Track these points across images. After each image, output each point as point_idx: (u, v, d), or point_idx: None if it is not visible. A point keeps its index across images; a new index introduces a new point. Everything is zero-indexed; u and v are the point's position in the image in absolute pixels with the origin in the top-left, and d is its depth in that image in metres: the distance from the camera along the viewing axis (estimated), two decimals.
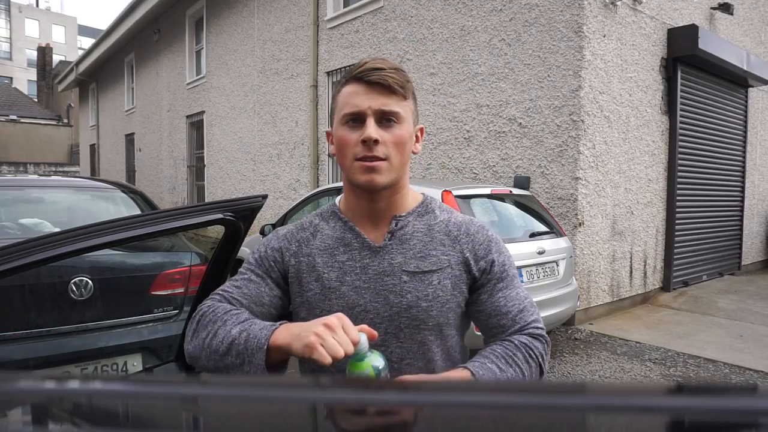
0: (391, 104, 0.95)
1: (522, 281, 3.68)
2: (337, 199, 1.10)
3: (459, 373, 0.92)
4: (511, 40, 5.59)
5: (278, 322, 0.91)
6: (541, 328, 1.02)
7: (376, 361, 0.86)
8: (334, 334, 0.81)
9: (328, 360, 0.79)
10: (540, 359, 0.98)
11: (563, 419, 0.41)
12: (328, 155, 8.08)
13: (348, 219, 1.04)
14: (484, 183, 5.40)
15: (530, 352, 0.97)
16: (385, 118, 0.96)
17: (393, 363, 0.97)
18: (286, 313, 1.08)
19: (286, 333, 0.87)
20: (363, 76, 0.95)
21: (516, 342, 0.98)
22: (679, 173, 6.41)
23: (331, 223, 1.06)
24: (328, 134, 1.04)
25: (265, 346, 0.86)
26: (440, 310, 0.99)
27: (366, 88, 0.95)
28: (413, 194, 1.07)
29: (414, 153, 1.03)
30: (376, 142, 0.93)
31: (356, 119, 0.95)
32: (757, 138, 8.29)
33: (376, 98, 0.95)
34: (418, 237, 1.01)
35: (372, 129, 0.94)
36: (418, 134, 1.05)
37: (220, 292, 1.03)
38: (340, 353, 0.80)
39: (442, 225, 1.04)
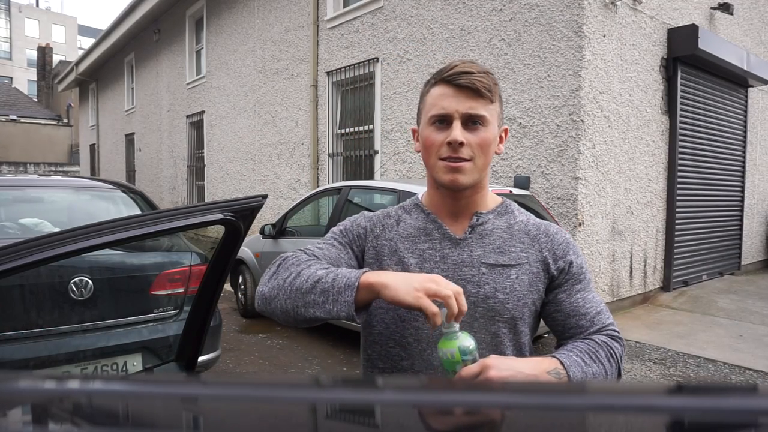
0: (478, 108, 0.98)
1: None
2: (420, 194, 1.15)
3: (549, 361, 0.93)
4: (511, 40, 5.59)
5: (364, 269, 0.95)
6: (618, 332, 1.05)
7: (465, 341, 0.87)
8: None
9: (436, 311, 0.81)
10: (619, 360, 1.01)
11: (563, 419, 0.41)
12: (328, 155, 8.07)
13: (431, 212, 1.08)
14: None
15: (611, 351, 0.99)
16: (471, 121, 0.99)
17: None
18: None
19: (381, 275, 0.88)
20: (452, 79, 0.98)
21: (597, 340, 1.00)
22: (679, 173, 6.41)
23: (413, 214, 1.10)
24: (414, 131, 1.10)
25: (356, 284, 0.87)
26: (516, 303, 1.01)
27: (454, 91, 0.98)
28: (492, 195, 1.11)
29: (497, 153, 1.07)
30: (461, 144, 0.97)
31: (443, 121, 0.99)
32: (757, 138, 8.29)
33: (463, 101, 0.98)
34: (497, 233, 1.05)
35: (458, 132, 0.97)
36: (502, 135, 1.08)
37: (303, 249, 1.06)
38: (449, 312, 0.83)
39: (521, 225, 1.07)
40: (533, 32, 5.38)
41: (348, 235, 1.11)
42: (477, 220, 1.05)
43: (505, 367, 0.85)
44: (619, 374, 1.02)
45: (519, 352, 1.04)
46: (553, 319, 1.06)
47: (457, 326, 0.86)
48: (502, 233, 1.05)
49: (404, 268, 1.03)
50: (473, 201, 1.06)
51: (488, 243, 1.04)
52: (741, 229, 8.01)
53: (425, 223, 1.07)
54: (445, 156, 0.99)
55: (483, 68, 1.01)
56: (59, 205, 3.27)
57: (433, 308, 0.81)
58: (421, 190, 1.16)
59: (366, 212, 1.15)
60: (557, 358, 0.93)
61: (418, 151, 1.07)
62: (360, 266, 1.09)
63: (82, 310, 2.53)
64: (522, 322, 1.03)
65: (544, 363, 0.92)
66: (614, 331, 1.04)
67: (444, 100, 0.99)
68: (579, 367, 0.94)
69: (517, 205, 1.14)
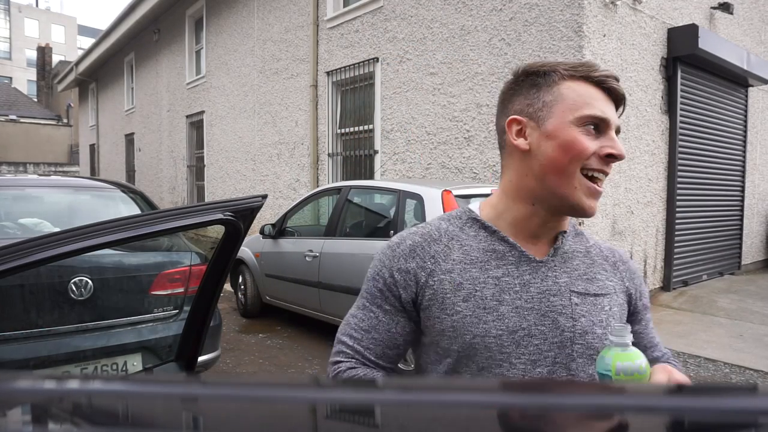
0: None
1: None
2: (474, 205, 0.94)
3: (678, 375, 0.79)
4: (511, 39, 5.59)
5: None
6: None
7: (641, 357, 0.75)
8: None
9: None
10: None
11: (563, 419, 0.41)
12: (328, 155, 8.06)
13: (496, 228, 0.87)
14: (484, 183, 5.39)
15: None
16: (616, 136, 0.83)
17: None
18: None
19: None
20: (602, 81, 0.82)
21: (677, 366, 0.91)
22: (679, 173, 6.41)
23: (470, 231, 0.88)
24: (518, 121, 0.85)
25: None
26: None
27: (604, 96, 0.83)
28: None
29: None
30: (616, 159, 0.82)
31: (596, 127, 0.81)
32: (757, 137, 8.29)
33: (613, 111, 0.83)
34: (579, 258, 0.90)
35: (621, 146, 0.81)
36: None
37: (351, 345, 0.89)
38: None
39: (596, 249, 0.94)
40: (533, 32, 5.38)
41: (392, 293, 0.87)
42: (561, 242, 0.89)
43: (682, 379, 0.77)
44: None
45: None
46: None
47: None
48: (583, 257, 0.91)
49: (478, 303, 0.83)
50: (560, 220, 0.88)
51: (573, 268, 0.88)
52: (741, 229, 8.01)
53: (491, 242, 0.87)
54: (595, 167, 0.81)
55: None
56: (59, 205, 3.27)
57: None
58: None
59: (401, 243, 0.88)
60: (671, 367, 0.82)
61: (526, 150, 0.84)
62: (416, 323, 0.88)
63: (82, 310, 2.53)
64: None
65: (678, 375, 0.80)
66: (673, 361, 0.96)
67: (598, 102, 0.81)
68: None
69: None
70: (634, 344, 0.78)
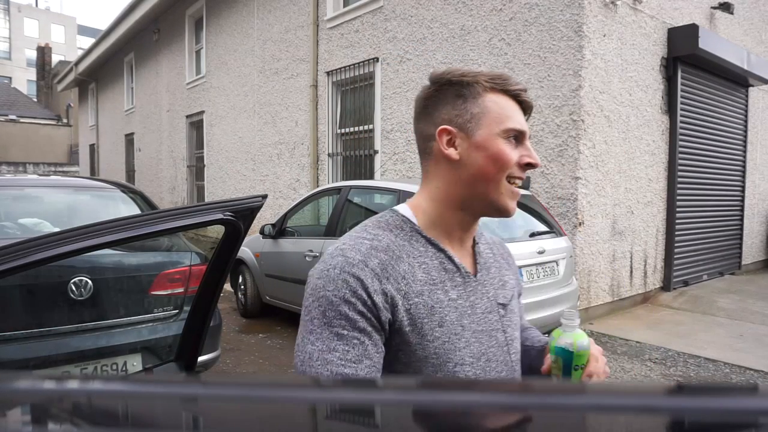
0: None
1: (522, 281, 3.69)
2: (403, 209, 0.90)
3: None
4: (511, 39, 5.59)
5: None
6: None
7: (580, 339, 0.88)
8: None
9: None
10: None
11: (563, 419, 0.41)
12: (328, 155, 8.07)
13: (437, 241, 0.87)
14: None
15: None
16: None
17: None
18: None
19: None
20: (518, 94, 0.88)
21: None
22: (680, 173, 6.41)
23: (419, 246, 0.85)
24: (448, 131, 0.87)
25: None
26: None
27: (518, 108, 0.88)
28: None
29: None
30: (533, 167, 0.88)
31: (517, 138, 0.87)
32: (757, 137, 8.29)
33: (524, 119, 0.89)
34: (493, 264, 0.94)
35: (536, 155, 0.88)
36: None
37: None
38: None
39: (493, 246, 1.00)
40: (533, 32, 5.38)
41: (372, 315, 0.78)
42: (479, 250, 0.93)
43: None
44: None
45: None
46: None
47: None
48: (494, 261, 0.95)
49: (449, 329, 0.82)
50: (475, 226, 0.93)
51: (491, 276, 0.92)
52: (741, 229, 8.01)
53: (441, 260, 0.86)
54: (516, 175, 0.86)
55: None
56: (59, 205, 3.27)
57: None
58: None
59: (365, 260, 0.79)
60: None
61: (456, 160, 0.86)
62: (384, 340, 0.80)
63: (82, 310, 2.53)
64: None
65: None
66: None
67: (517, 114, 0.87)
68: None
69: None
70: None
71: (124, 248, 2.76)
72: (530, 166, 0.87)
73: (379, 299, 0.78)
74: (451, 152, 0.86)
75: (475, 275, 0.89)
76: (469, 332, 0.84)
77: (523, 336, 1.02)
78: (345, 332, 0.76)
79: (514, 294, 0.96)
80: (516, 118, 0.86)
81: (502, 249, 1.02)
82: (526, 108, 0.89)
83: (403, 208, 0.90)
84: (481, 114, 0.86)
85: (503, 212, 0.87)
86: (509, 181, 0.86)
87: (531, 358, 1.00)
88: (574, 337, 0.86)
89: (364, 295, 0.77)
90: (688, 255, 6.72)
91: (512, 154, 0.85)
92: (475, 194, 0.86)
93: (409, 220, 0.88)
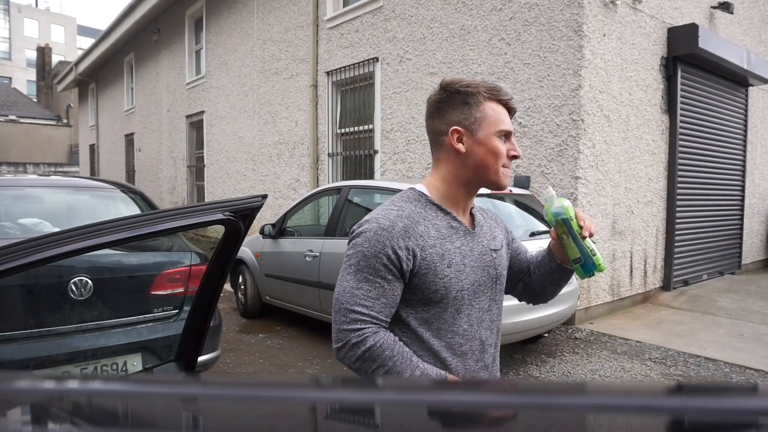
0: None
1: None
2: (420, 187, 1.24)
3: None
4: (510, 39, 5.59)
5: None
6: None
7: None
8: None
9: None
10: None
11: (563, 419, 0.41)
12: (328, 155, 8.06)
13: (449, 210, 1.22)
14: None
15: None
16: None
17: (495, 321, 1.27)
18: None
19: None
20: (508, 102, 1.21)
21: None
22: (680, 172, 6.41)
23: (431, 212, 1.20)
24: (458, 131, 1.19)
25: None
26: (506, 277, 1.31)
27: (506, 112, 1.21)
28: None
29: None
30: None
31: (506, 136, 1.19)
32: (757, 137, 8.29)
33: (511, 123, 1.22)
34: (485, 224, 1.30)
35: (518, 148, 1.22)
36: None
37: (366, 313, 1.12)
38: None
39: (486, 213, 1.35)
40: (533, 31, 5.38)
41: (394, 266, 1.12)
42: (475, 214, 1.28)
43: None
44: None
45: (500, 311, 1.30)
46: (520, 265, 1.40)
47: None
48: (484, 222, 1.30)
49: (455, 267, 1.16)
50: (473, 198, 1.27)
51: (485, 232, 1.27)
52: (741, 229, 8.00)
53: (448, 221, 1.20)
54: (505, 164, 1.20)
55: None
56: (59, 205, 3.27)
57: None
58: (418, 188, 1.29)
59: (393, 227, 1.13)
60: None
61: (463, 153, 1.18)
62: (404, 282, 1.15)
63: (82, 310, 2.53)
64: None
65: None
66: None
67: (507, 118, 1.20)
68: None
69: None
70: (521, 259, 1.40)
71: (124, 248, 2.76)
72: (515, 157, 1.21)
73: (402, 253, 1.12)
74: (460, 147, 1.18)
75: (473, 230, 1.25)
76: (469, 268, 1.19)
77: (532, 257, 1.42)
78: (371, 277, 1.12)
79: (503, 243, 1.32)
80: (506, 121, 1.19)
81: (491, 214, 1.38)
82: (512, 112, 1.22)
83: (420, 186, 1.24)
84: (482, 118, 1.18)
85: (501, 187, 1.22)
86: (502, 167, 1.20)
87: (542, 257, 1.37)
88: (559, 200, 1.20)
89: (390, 252, 1.11)
90: (688, 254, 6.72)
91: (503, 148, 1.19)
92: (477, 177, 1.20)
93: (424, 194, 1.22)
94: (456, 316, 1.17)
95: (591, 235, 1.22)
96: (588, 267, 1.22)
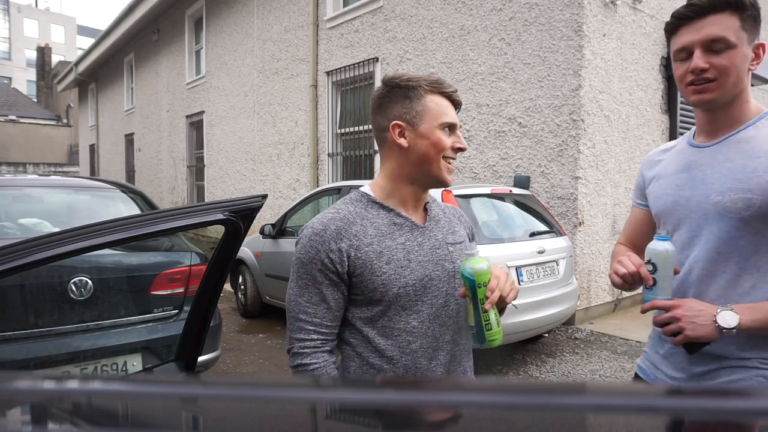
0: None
1: (522, 281, 3.69)
2: (365, 188, 1.23)
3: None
4: (510, 39, 5.59)
5: None
6: None
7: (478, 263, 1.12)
8: None
9: None
10: None
11: (563, 419, 0.41)
12: (328, 155, 8.07)
13: (391, 207, 1.20)
14: (484, 182, 5.39)
15: None
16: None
17: (452, 318, 1.20)
18: None
19: None
20: (452, 95, 1.19)
21: None
22: None
23: (373, 211, 1.19)
24: (399, 125, 1.17)
25: None
26: None
27: (450, 104, 1.18)
28: None
29: None
30: (461, 151, 1.20)
31: (450, 128, 1.17)
32: None
33: (456, 114, 1.19)
34: (442, 219, 1.27)
35: (464, 141, 1.20)
36: None
37: (309, 320, 1.14)
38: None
39: (447, 209, 1.32)
40: (533, 31, 5.38)
41: (330, 270, 1.12)
42: (430, 209, 1.25)
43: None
44: None
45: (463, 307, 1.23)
46: None
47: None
48: (444, 217, 1.28)
49: (396, 263, 1.14)
50: (425, 195, 1.25)
51: (441, 227, 1.25)
52: None
53: (391, 218, 1.19)
54: (450, 156, 1.17)
55: None
56: (59, 205, 3.27)
57: None
58: None
59: (326, 230, 1.13)
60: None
61: (406, 147, 1.16)
62: (347, 284, 1.14)
63: (82, 310, 2.53)
64: None
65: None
66: None
67: (450, 110, 1.17)
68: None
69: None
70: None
71: (124, 248, 2.76)
72: (460, 149, 1.18)
73: (335, 256, 1.12)
74: (402, 141, 1.16)
75: (424, 225, 1.22)
76: (415, 263, 1.16)
77: None
78: (310, 284, 1.13)
79: (465, 237, 1.29)
80: (449, 114, 1.17)
81: (455, 211, 1.35)
82: (456, 105, 1.20)
83: (364, 187, 1.23)
84: (423, 111, 1.16)
85: (443, 183, 1.19)
86: (446, 160, 1.17)
87: None
88: (473, 262, 1.11)
89: (323, 257, 1.12)
90: None
91: (447, 140, 1.16)
92: (420, 171, 1.17)
93: (366, 194, 1.21)
94: (401, 313, 1.14)
95: (502, 309, 1.14)
96: (479, 338, 1.12)
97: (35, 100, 32.61)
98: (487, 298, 1.09)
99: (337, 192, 4.77)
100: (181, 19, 12.14)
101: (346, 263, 1.12)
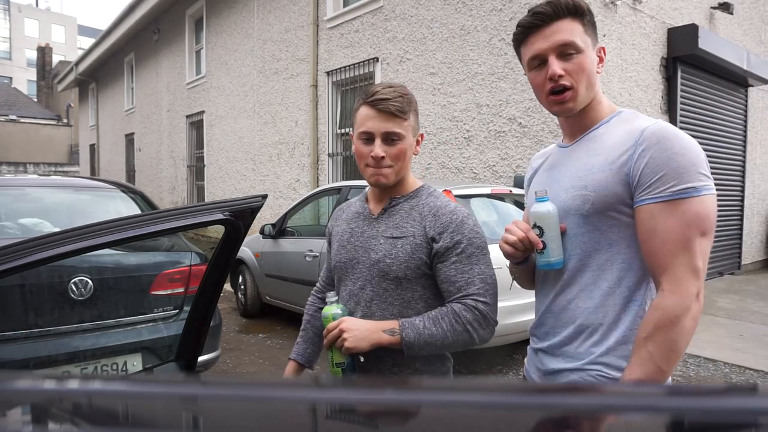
0: (393, 127, 1.25)
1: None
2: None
3: (391, 322, 1.22)
4: (510, 39, 5.58)
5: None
6: (481, 302, 1.23)
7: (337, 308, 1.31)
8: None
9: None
10: (467, 326, 1.21)
11: (564, 419, 0.41)
12: (328, 155, 8.08)
13: (368, 197, 1.39)
14: (484, 183, 5.39)
15: (457, 318, 1.21)
16: (390, 138, 1.26)
17: (366, 302, 1.30)
18: None
19: None
20: (374, 104, 1.25)
21: (448, 308, 1.23)
22: None
23: (358, 202, 1.43)
24: (352, 135, 1.35)
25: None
26: (399, 266, 1.27)
27: (376, 113, 1.25)
28: (413, 183, 1.38)
29: (414, 155, 1.35)
30: (382, 158, 1.26)
31: (368, 138, 1.26)
32: (757, 137, 8.29)
33: (383, 122, 1.24)
34: (400, 214, 1.33)
35: (378, 149, 1.25)
36: (419, 139, 1.37)
37: (320, 278, 1.60)
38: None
39: (421, 206, 1.32)
40: None
41: (328, 240, 1.52)
42: (390, 204, 1.34)
43: (354, 326, 1.22)
44: (471, 339, 1.22)
45: (408, 305, 1.28)
46: (438, 284, 1.29)
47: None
48: (404, 213, 1.32)
49: (340, 243, 1.39)
50: (393, 191, 1.34)
51: (392, 221, 1.32)
52: (741, 229, 8.00)
53: (359, 209, 1.40)
54: (371, 164, 1.27)
55: (399, 92, 1.27)
56: (59, 205, 3.26)
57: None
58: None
59: (333, 217, 1.50)
60: (398, 321, 1.22)
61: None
62: None
63: (82, 310, 2.53)
64: (407, 281, 1.28)
65: (386, 324, 1.22)
66: (475, 300, 1.22)
67: (368, 120, 1.25)
68: (414, 329, 1.20)
69: (434, 190, 1.38)
70: (436, 278, 1.28)
71: (124, 248, 2.76)
72: (375, 158, 1.25)
73: (329, 231, 1.50)
74: (353, 148, 1.32)
75: (377, 217, 1.34)
76: (351, 245, 1.36)
77: (444, 289, 1.35)
78: (327, 246, 1.52)
79: (413, 235, 1.28)
80: (367, 124, 1.26)
81: (427, 212, 1.31)
82: (388, 113, 1.24)
83: None
84: (354, 122, 1.32)
85: (373, 185, 1.32)
86: (369, 168, 1.28)
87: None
88: (328, 308, 1.29)
89: (328, 228, 1.51)
90: None
91: (364, 149, 1.27)
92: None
93: (366, 191, 1.43)
94: (340, 284, 1.39)
95: (348, 351, 1.21)
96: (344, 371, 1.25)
97: (35, 99, 32.61)
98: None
99: (337, 192, 4.76)
100: (182, 19, 12.14)
101: (329, 237, 1.49)
